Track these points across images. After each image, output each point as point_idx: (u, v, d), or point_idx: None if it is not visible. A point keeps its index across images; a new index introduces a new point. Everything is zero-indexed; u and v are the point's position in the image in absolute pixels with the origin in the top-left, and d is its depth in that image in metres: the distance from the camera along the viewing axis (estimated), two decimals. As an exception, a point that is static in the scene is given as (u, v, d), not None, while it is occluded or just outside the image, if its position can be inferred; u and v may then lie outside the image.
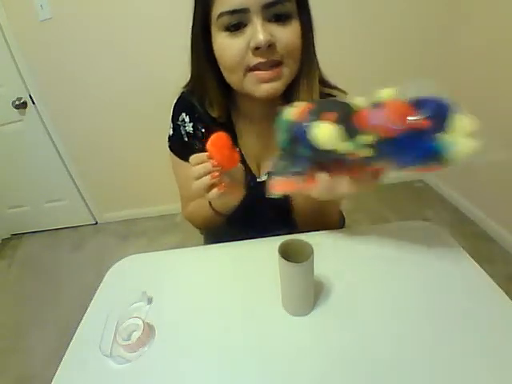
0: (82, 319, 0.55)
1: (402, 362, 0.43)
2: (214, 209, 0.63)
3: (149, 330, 0.50)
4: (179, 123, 0.67)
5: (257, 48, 0.47)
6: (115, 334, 0.49)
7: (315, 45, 0.57)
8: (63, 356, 0.49)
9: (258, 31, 0.46)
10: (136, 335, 0.48)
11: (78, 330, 0.54)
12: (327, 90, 0.62)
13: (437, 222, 0.62)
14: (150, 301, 0.56)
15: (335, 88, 0.64)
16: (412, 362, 0.42)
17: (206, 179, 0.49)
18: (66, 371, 0.48)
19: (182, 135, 0.67)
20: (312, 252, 0.46)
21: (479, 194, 1.73)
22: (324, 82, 0.62)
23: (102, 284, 0.62)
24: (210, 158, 0.49)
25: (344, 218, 0.84)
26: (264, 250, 0.57)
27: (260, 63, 0.49)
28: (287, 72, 0.52)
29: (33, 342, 1.46)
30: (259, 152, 0.68)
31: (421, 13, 1.66)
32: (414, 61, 1.80)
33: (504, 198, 1.56)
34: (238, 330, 0.49)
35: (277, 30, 0.48)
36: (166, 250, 0.69)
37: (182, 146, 0.68)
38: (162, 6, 1.55)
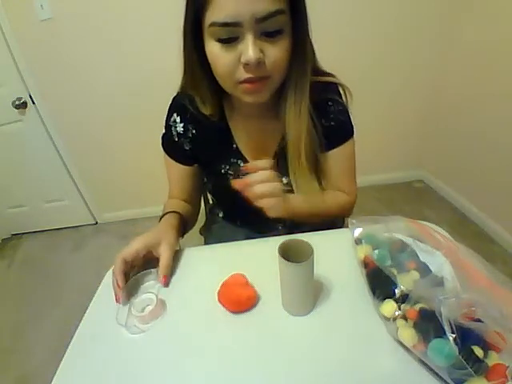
0: (82, 317, 0.56)
1: (402, 363, 0.43)
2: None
3: (161, 304, 0.54)
4: (171, 124, 0.70)
5: (247, 64, 0.49)
6: (130, 307, 0.52)
7: (311, 44, 0.58)
8: (65, 351, 0.50)
9: (249, 48, 0.47)
10: (149, 308, 0.52)
11: (81, 324, 0.54)
12: (319, 79, 0.64)
13: (437, 222, 0.62)
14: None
15: (328, 74, 0.67)
16: (411, 363, 0.42)
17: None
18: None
19: (173, 135, 0.70)
20: (312, 252, 0.46)
21: (479, 194, 1.73)
22: (317, 71, 0.64)
23: (101, 284, 0.62)
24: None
25: (344, 218, 0.84)
26: (264, 250, 0.57)
27: (249, 78, 0.51)
28: (273, 84, 0.55)
29: (33, 342, 1.46)
30: (254, 145, 0.69)
31: (422, 10, 1.66)
32: (414, 59, 1.80)
33: (504, 197, 1.56)
34: (239, 330, 0.49)
35: (267, 46, 0.49)
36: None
37: (172, 146, 0.71)
38: (163, 5, 1.55)
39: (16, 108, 1.75)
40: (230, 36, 0.48)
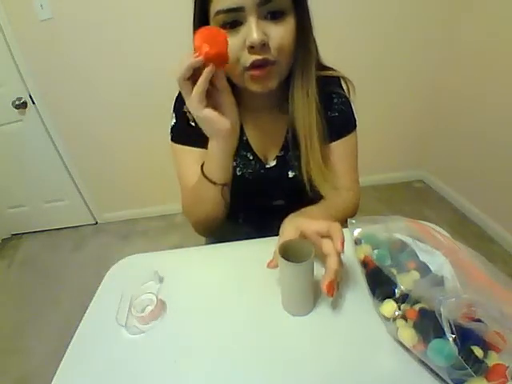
0: (82, 317, 0.55)
1: (402, 363, 0.43)
2: (206, 176, 0.60)
3: (161, 305, 0.54)
4: (185, 110, 0.67)
5: (252, 47, 0.49)
6: (130, 307, 0.53)
7: (313, 34, 0.59)
8: (65, 351, 0.50)
9: (253, 30, 0.48)
10: (149, 309, 0.52)
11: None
12: (324, 73, 0.65)
13: (437, 222, 0.62)
14: (161, 279, 0.60)
15: (329, 69, 0.67)
16: (411, 363, 0.42)
17: (187, 61, 0.46)
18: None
19: (189, 120, 0.67)
20: (312, 252, 0.46)
21: (479, 194, 1.73)
22: (321, 66, 0.65)
23: (101, 284, 0.62)
24: (196, 50, 0.47)
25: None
26: (264, 250, 0.57)
27: (255, 61, 0.51)
28: (279, 70, 0.55)
29: (33, 342, 1.46)
30: (264, 140, 0.70)
31: (422, 10, 1.66)
32: (414, 59, 1.80)
33: (504, 198, 1.56)
34: (239, 330, 0.49)
35: (271, 28, 0.50)
36: (166, 250, 0.69)
37: (188, 131, 0.67)
38: (163, 5, 1.55)
39: (16, 108, 1.75)
40: (234, 19, 0.49)
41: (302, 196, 0.69)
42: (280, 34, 0.51)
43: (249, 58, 0.51)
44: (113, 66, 1.71)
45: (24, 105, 1.76)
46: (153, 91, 1.72)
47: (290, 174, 0.69)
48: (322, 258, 0.50)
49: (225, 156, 0.58)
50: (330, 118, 0.66)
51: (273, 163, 0.70)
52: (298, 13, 0.53)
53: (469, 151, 1.75)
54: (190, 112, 0.66)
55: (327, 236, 0.49)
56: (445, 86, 1.82)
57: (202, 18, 0.54)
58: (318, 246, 0.49)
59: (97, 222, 2.27)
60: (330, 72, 0.67)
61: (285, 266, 0.46)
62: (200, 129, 0.66)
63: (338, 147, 0.69)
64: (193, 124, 0.67)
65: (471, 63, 1.64)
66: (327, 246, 0.48)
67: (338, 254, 0.48)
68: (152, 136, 1.75)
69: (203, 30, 0.48)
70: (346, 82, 0.68)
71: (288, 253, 0.46)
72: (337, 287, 0.49)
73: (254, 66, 0.52)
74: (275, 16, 0.50)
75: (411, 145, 2.11)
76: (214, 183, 0.60)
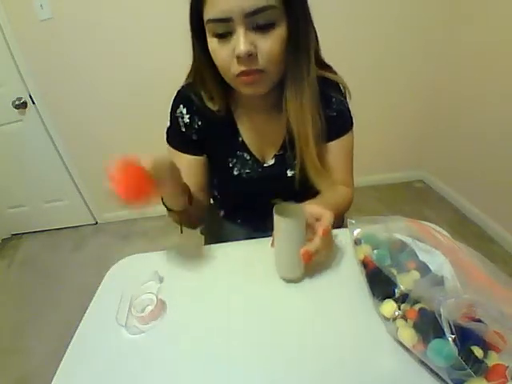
0: (82, 317, 0.55)
1: (402, 363, 0.43)
2: (164, 204, 0.63)
3: (161, 305, 0.54)
4: (177, 115, 0.69)
5: (239, 57, 0.50)
6: (130, 307, 0.53)
7: (310, 36, 0.58)
8: (65, 351, 0.50)
9: (240, 41, 0.49)
10: (149, 309, 0.52)
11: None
12: (325, 74, 0.66)
13: (437, 222, 0.62)
14: (161, 279, 0.60)
15: (328, 67, 0.68)
16: (411, 363, 0.42)
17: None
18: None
19: (180, 126, 0.69)
20: (302, 212, 0.50)
21: (479, 194, 1.73)
22: (321, 64, 0.66)
23: (101, 284, 0.62)
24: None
25: (344, 218, 0.84)
26: (264, 250, 0.58)
27: (242, 71, 0.53)
28: (269, 77, 0.56)
29: (33, 342, 1.46)
30: (261, 140, 0.70)
31: (422, 11, 1.66)
32: (414, 60, 1.80)
33: (504, 197, 1.56)
34: (239, 330, 0.50)
35: (259, 39, 0.51)
36: (165, 250, 0.69)
37: (179, 137, 0.70)
38: (162, 5, 1.55)
39: (16, 108, 1.75)
40: (225, 31, 0.50)
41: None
42: (268, 45, 0.51)
43: (238, 68, 0.52)
44: (113, 66, 1.71)
45: (24, 105, 1.76)
46: (153, 91, 1.72)
47: (289, 173, 0.70)
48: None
49: (172, 198, 0.61)
50: (329, 118, 0.66)
51: (271, 162, 0.70)
52: (290, 22, 0.53)
53: (469, 151, 1.75)
54: (182, 118, 0.69)
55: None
56: (445, 86, 1.82)
57: (197, 23, 0.55)
58: (312, 226, 0.53)
59: (97, 222, 2.27)
60: (331, 76, 0.67)
61: (278, 221, 0.49)
62: (191, 135, 0.69)
63: (336, 146, 0.70)
64: (184, 130, 0.69)
65: (471, 64, 1.64)
66: (317, 227, 0.52)
67: (320, 237, 0.51)
68: (152, 136, 1.73)
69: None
70: (344, 89, 0.69)
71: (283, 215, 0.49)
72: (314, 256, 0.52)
73: (243, 73, 0.53)
74: (264, 27, 0.50)
75: (411, 145, 2.11)
76: (171, 210, 0.63)
